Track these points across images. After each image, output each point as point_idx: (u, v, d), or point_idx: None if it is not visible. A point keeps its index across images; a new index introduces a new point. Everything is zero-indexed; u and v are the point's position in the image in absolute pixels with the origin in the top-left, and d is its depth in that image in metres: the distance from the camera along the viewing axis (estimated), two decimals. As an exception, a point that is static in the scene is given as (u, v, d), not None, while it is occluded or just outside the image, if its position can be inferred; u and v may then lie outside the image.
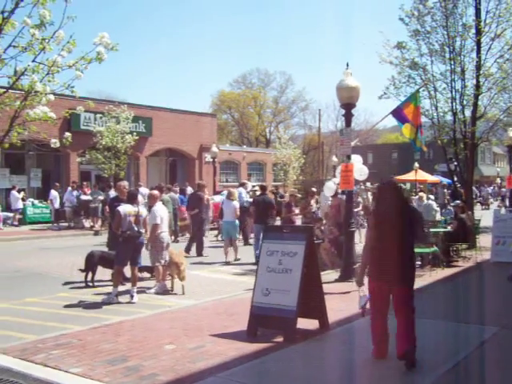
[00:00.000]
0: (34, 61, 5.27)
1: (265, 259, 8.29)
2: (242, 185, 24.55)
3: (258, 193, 21.01)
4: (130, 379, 6.18)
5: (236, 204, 17.43)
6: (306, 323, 8.20)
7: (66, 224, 27.63)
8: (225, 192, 30.91)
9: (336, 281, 12.54)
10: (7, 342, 7.79)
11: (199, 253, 17.95)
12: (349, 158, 12.99)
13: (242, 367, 6.64)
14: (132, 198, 11.40)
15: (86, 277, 12.42)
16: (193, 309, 10.02)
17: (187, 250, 17.69)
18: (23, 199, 28.44)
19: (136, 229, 11.03)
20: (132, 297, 10.91)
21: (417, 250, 13.63)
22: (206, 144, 40.52)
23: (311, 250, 8.19)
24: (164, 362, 6.83)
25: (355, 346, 7.67)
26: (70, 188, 27.99)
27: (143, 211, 11.42)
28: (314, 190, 18.66)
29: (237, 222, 17.41)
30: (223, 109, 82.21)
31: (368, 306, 7.13)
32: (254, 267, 13.35)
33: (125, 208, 11.02)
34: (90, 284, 12.38)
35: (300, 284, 7.77)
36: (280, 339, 7.79)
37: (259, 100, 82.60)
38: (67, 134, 5.79)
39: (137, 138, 29.06)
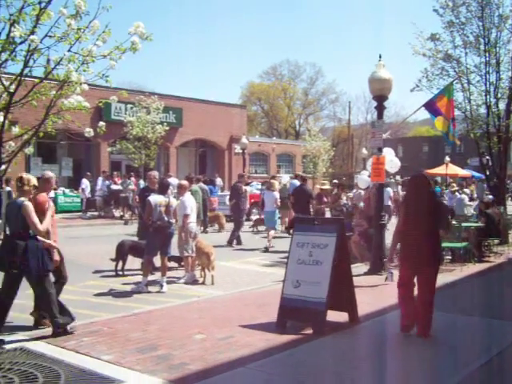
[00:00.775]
0: (69, 50, 5.30)
1: (295, 251, 8.26)
2: (296, 177, 24.56)
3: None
4: (160, 367, 6.22)
5: (276, 194, 18.25)
6: (335, 316, 8.17)
7: (96, 213, 27.91)
8: (254, 183, 31.19)
9: (365, 274, 12.47)
10: (40, 327, 7.91)
11: (230, 242, 18.28)
12: (380, 150, 12.88)
13: (271, 359, 6.63)
14: (163, 188, 11.45)
15: (116, 266, 12.53)
16: (222, 299, 10.05)
17: (238, 241, 18.34)
18: (55, 188, 28.74)
19: (166, 219, 11.08)
20: (162, 286, 10.98)
21: (448, 244, 13.60)
22: (235, 135, 40.55)
23: (342, 243, 8.15)
24: (193, 351, 6.86)
25: (385, 339, 7.63)
26: (102, 177, 28.27)
27: (173, 201, 11.46)
28: (335, 182, 18.83)
29: (277, 211, 18.26)
30: (253, 100, 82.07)
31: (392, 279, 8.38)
32: (284, 259, 13.35)
33: (155, 198, 11.07)
34: (120, 273, 12.48)
35: (330, 276, 7.73)
36: (309, 331, 7.77)
37: (289, 92, 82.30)
38: (101, 123, 5.84)
39: (167, 128, 29.20)
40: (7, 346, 6.86)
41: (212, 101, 41.27)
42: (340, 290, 7.96)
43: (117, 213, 27.86)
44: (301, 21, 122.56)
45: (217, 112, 40.17)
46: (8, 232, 7.50)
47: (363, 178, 17.37)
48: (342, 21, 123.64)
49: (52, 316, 7.43)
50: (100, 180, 28.14)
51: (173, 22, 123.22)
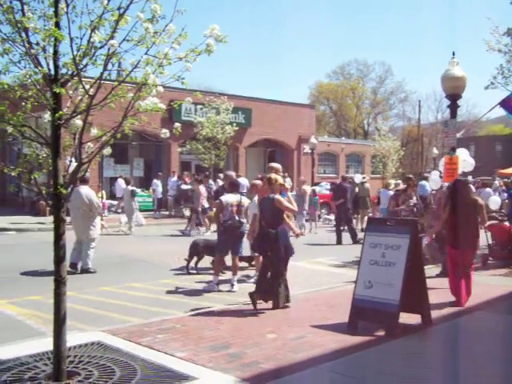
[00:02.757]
0: (146, 54, 5.42)
1: (368, 252, 8.21)
2: (425, 178, 24.53)
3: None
4: (232, 366, 6.28)
5: (391, 193, 19.11)
6: (408, 318, 8.07)
7: (166, 212, 28.37)
8: (323, 183, 31.28)
9: (437, 276, 12.22)
10: (114, 324, 8.13)
11: (354, 240, 19.04)
12: (454, 150, 12.60)
13: (342, 359, 6.62)
14: (233, 188, 11.55)
15: (187, 264, 12.71)
16: (292, 299, 10.05)
17: (338, 241, 19.15)
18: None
19: (237, 218, 11.15)
20: (232, 286, 11.07)
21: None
22: (304, 135, 40.39)
23: (415, 244, 8.04)
24: (265, 350, 6.90)
25: (458, 343, 7.49)
26: (176, 177, 28.71)
27: (245, 201, 11.52)
28: (410, 176, 18.99)
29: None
30: (321, 100, 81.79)
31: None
32: (354, 259, 13.24)
33: (227, 198, 11.17)
34: (193, 271, 12.66)
35: (403, 278, 7.65)
36: (381, 333, 7.70)
37: (357, 91, 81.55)
38: (177, 124, 5.93)
39: (236, 128, 29.43)
40: (84, 340, 7.07)
41: (281, 101, 41.27)
42: (413, 291, 7.85)
43: (187, 212, 28.26)
44: (369, 19, 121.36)
45: (285, 112, 40.13)
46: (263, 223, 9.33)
47: (433, 179, 17.08)
48: (411, 18, 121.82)
49: (276, 293, 9.11)
50: (173, 180, 28.59)
51: (241, 23, 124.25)
